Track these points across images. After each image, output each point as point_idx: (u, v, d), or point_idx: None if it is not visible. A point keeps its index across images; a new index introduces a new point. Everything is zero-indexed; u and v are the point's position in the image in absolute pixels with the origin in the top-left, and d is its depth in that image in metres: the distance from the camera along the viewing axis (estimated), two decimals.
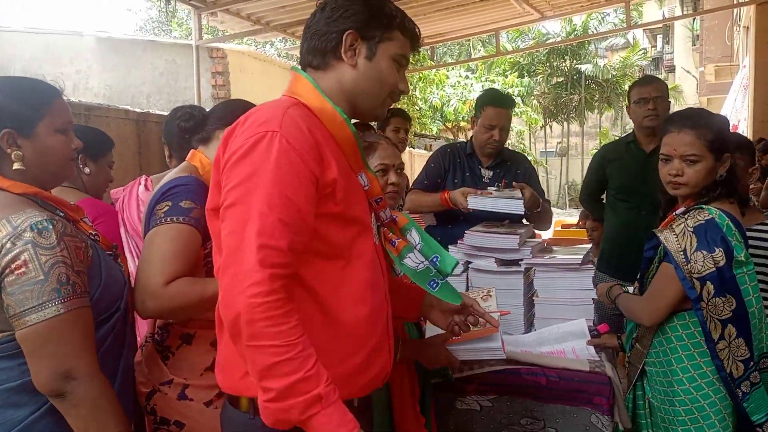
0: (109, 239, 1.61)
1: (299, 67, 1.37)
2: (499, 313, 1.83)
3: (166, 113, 5.79)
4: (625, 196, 3.10)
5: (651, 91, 3.07)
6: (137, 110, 5.50)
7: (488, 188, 2.66)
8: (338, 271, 1.26)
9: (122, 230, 2.23)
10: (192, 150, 1.76)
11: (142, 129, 5.24)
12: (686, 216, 1.82)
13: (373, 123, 3.10)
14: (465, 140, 3.23)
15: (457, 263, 1.53)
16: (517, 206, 2.42)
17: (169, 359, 1.63)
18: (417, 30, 1.38)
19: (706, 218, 1.77)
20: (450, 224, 2.83)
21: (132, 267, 1.90)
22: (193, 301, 1.46)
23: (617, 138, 3.46)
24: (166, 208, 1.55)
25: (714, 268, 1.73)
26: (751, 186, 3.86)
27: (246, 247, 1.12)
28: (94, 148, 2.40)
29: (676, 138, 1.84)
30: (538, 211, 2.72)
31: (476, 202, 2.46)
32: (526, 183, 2.90)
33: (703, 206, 1.82)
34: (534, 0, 6.01)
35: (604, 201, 3.37)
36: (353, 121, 1.36)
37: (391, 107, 3.79)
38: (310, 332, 1.19)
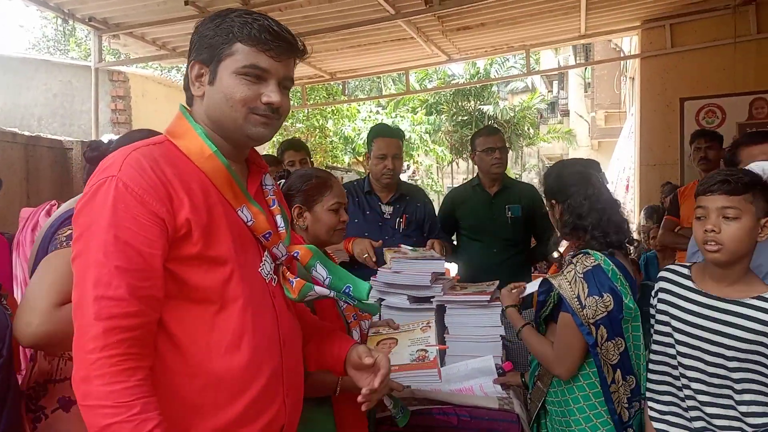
0: (1, 278, 1.44)
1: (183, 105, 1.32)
2: (438, 347, 1.84)
3: (59, 137, 5.46)
4: (475, 235, 3.29)
5: (497, 141, 3.31)
6: (26, 133, 5.09)
7: (401, 246, 2.64)
8: (209, 317, 1.18)
9: (15, 258, 2.03)
10: None
11: (31, 153, 4.85)
12: (575, 261, 1.89)
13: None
14: (361, 178, 3.26)
15: (371, 288, 1.49)
16: (439, 266, 2.44)
17: (40, 423, 1.43)
18: (265, 32, 1.22)
19: (593, 264, 1.85)
20: (357, 265, 2.71)
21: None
22: None
23: (466, 181, 3.78)
24: (69, 232, 1.41)
25: (605, 312, 1.79)
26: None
27: (85, 300, 1.06)
28: None
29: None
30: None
31: (398, 265, 2.42)
32: (426, 216, 2.99)
33: (589, 251, 1.89)
34: (442, 43, 6.23)
35: (455, 241, 3.53)
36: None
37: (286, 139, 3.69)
38: (172, 384, 1.14)
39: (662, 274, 1.80)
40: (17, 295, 1.77)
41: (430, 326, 1.95)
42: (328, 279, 1.44)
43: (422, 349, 1.83)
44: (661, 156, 6.06)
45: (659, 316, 1.77)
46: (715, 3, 5.64)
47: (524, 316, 2.12)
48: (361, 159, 16.67)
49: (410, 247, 2.58)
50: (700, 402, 1.67)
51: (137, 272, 1.09)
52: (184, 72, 1.28)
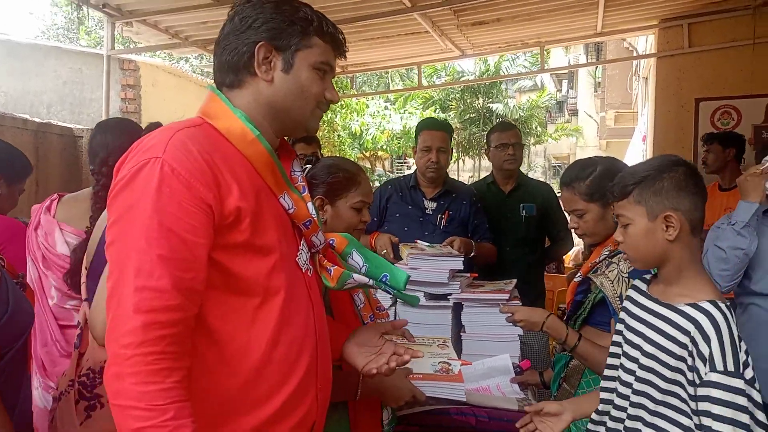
0: (15, 265, 1.42)
1: (215, 86, 1.25)
2: (461, 363, 1.79)
3: (69, 125, 5.43)
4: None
5: (510, 137, 3.26)
6: (37, 120, 5.06)
7: (417, 241, 2.60)
8: (250, 311, 1.13)
9: (28, 257, 2.01)
10: None
11: (41, 141, 4.82)
12: (616, 261, 1.82)
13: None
14: (409, 172, 3.24)
15: (408, 277, 1.44)
16: (456, 264, 2.40)
17: (95, 411, 1.37)
18: (339, 34, 1.28)
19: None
20: None
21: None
22: None
23: (480, 179, 3.73)
24: None
25: None
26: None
27: (124, 289, 0.99)
28: (12, 171, 2.29)
29: (563, 197, 1.94)
30: (473, 255, 2.74)
31: (416, 262, 2.37)
32: (474, 216, 2.92)
33: None
34: (456, 38, 6.17)
35: None
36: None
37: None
38: (211, 381, 1.08)
39: (633, 282, 1.66)
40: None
41: (447, 345, 1.90)
42: (364, 267, 1.40)
43: (444, 362, 1.78)
44: None
45: (617, 326, 1.62)
46: (734, 3, 5.56)
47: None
48: (368, 154, 16.65)
49: (427, 244, 2.54)
50: (611, 417, 1.52)
51: (181, 262, 1.02)
52: (239, 51, 1.20)
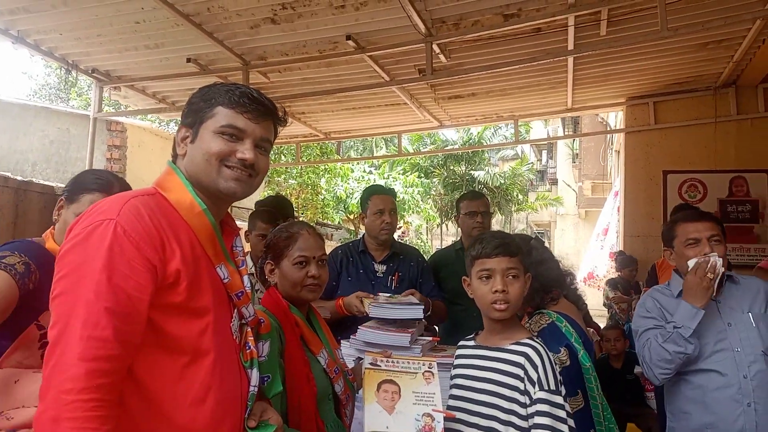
0: None
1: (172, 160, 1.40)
2: (444, 414, 1.72)
3: (51, 183, 5.48)
4: (456, 299, 3.20)
5: (479, 205, 3.40)
6: (18, 178, 5.13)
7: (379, 294, 2.67)
8: (178, 368, 1.19)
9: None
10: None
11: (21, 198, 4.87)
12: (530, 324, 1.96)
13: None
14: (357, 238, 3.32)
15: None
16: (417, 312, 2.45)
17: None
18: (245, 97, 1.33)
19: (547, 322, 1.94)
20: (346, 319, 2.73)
21: None
22: None
23: (450, 245, 3.81)
24: None
25: (561, 368, 1.82)
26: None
27: (69, 338, 1.05)
28: None
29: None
30: (429, 313, 2.78)
31: (377, 311, 2.43)
32: (420, 275, 2.99)
33: (543, 311, 1.97)
34: (433, 110, 6.42)
35: None
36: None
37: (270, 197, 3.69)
38: (136, 431, 1.13)
39: (461, 342, 1.92)
40: None
41: (432, 374, 1.81)
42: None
43: (428, 414, 1.71)
44: (644, 227, 6.18)
45: (453, 391, 1.81)
46: (696, 84, 5.89)
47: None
48: (352, 217, 16.81)
49: (388, 294, 2.60)
50: None
51: (124, 316, 1.09)
52: (176, 136, 1.37)
